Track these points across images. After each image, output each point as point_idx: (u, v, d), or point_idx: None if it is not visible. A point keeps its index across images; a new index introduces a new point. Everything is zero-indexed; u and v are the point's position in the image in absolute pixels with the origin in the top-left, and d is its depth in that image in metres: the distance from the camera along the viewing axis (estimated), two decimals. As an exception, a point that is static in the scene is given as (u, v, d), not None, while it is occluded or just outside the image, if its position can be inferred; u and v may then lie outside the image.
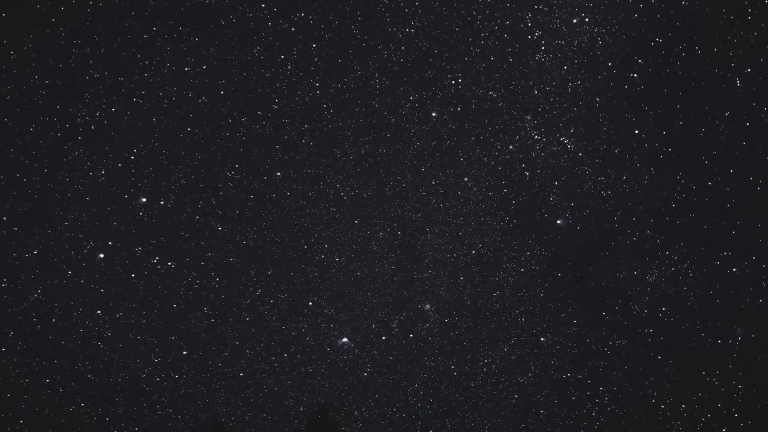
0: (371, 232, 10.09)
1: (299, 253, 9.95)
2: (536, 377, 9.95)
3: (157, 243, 9.38)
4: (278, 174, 9.75)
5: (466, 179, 10.00)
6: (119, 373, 9.25)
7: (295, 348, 9.94)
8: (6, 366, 8.73)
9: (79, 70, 8.74)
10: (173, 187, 9.38)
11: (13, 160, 8.65)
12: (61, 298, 9.01)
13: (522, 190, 9.96)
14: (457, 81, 9.64)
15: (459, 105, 9.75)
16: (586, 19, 9.29)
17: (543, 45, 9.41)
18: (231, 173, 9.60)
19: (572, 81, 9.51)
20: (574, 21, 9.30)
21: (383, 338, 10.10)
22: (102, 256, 9.15)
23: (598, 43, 9.33)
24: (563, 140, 9.73)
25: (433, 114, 9.80)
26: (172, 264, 9.46)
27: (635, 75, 9.30)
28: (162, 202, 9.34)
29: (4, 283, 8.76)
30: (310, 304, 10.01)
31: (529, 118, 9.74)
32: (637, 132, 9.43)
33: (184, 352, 9.50)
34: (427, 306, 10.20)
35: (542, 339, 9.98)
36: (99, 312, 9.17)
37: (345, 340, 10.08)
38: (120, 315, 9.25)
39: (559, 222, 9.91)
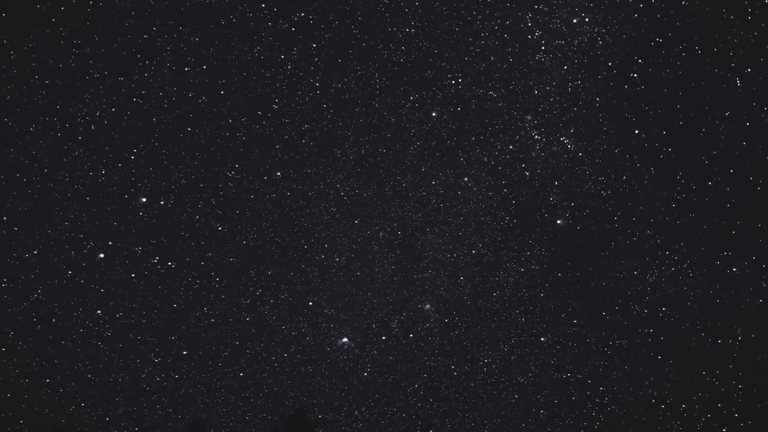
0: (371, 232, 10.10)
1: (299, 253, 9.96)
2: (536, 377, 9.95)
3: (157, 243, 9.38)
4: (278, 174, 9.75)
5: (466, 179, 10.01)
6: (119, 373, 9.25)
7: (295, 348, 9.95)
8: (6, 366, 8.73)
9: (79, 70, 8.74)
10: (173, 187, 9.38)
11: (13, 160, 8.65)
12: (61, 298, 9.01)
13: (522, 190, 9.97)
14: (457, 81, 9.64)
15: (459, 105, 9.76)
16: (586, 19, 9.29)
17: (543, 45, 9.41)
18: (231, 173, 9.60)
19: (572, 81, 9.51)
20: (574, 21, 9.30)
21: (383, 338, 10.11)
22: (102, 256, 9.15)
23: (598, 43, 9.33)
24: (563, 140, 9.74)
25: (433, 114, 9.81)
26: (172, 264, 9.46)
27: (635, 75, 9.30)
28: (162, 202, 9.34)
29: (4, 283, 8.76)
30: (310, 304, 10.02)
31: (529, 118, 9.74)
32: (637, 132, 9.43)
33: (184, 352, 9.51)
34: (427, 306, 10.20)
35: (542, 339, 9.98)
36: (99, 312, 9.17)
37: (345, 340, 10.08)
38: (120, 315, 9.25)
39: (559, 222, 9.91)
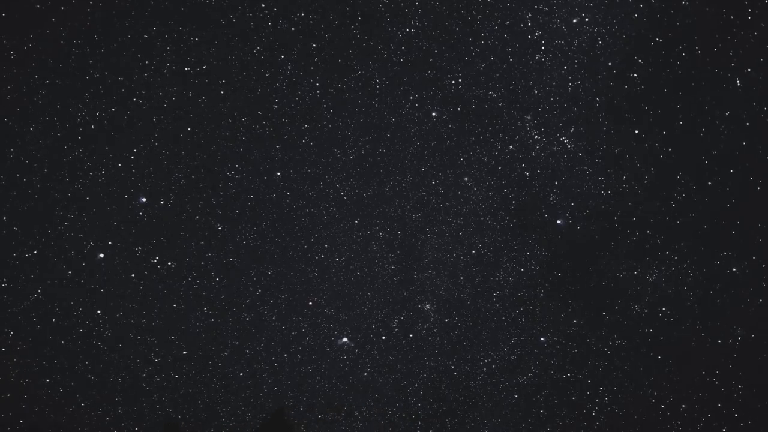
0: (371, 232, 10.09)
1: (299, 253, 9.96)
2: (536, 377, 9.95)
3: (157, 243, 9.38)
4: (278, 174, 9.75)
5: (466, 179, 10.01)
6: (119, 373, 9.25)
7: (295, 348, 9.95)
8: (6, 366, 8.73)
9: (79, 70, 8.74)
10: (173, 187, 9.38)
11: (13, 160, 8.65)
12: (61, 298, 9.01)
13: (522, 190, 9.97)
14: (457, 81, 9.64)
15: (459, 105, 9.76)
16: (586, 19, 9.29)
17: (543, 45, 9.41)
18: (231, 173, 9.60)
19: (572, 81, 9.51)
20: (574, 21, 9.30)
21: (383, 338, 10.11)
22: (102, 256, 9.15)
23: (598, 43, 9.33)
24: (563, 140, 9.74)
25: (433, 114, 9.81)
26: (172, 264, 9.46)
27: (635, 75, 9.30)
28: (162, 202, 9.35)
29: (4, 283, 8.76)
30: (310, 304, 10.02)
31: (529, 118, 9.74)
32: (637, 132, 9.43)
33: (184, 352, 9.51)
34: (427, 306, 10.20)
35: (542, 339, 9.98)
36: (99, 312, 9.17)
37: (345, 340, 10.08)
38: (120, 315, 9.26)
39: (559, 222, 9.91)
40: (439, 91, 9.70)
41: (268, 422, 9.28)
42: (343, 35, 9.37)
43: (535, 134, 9.78)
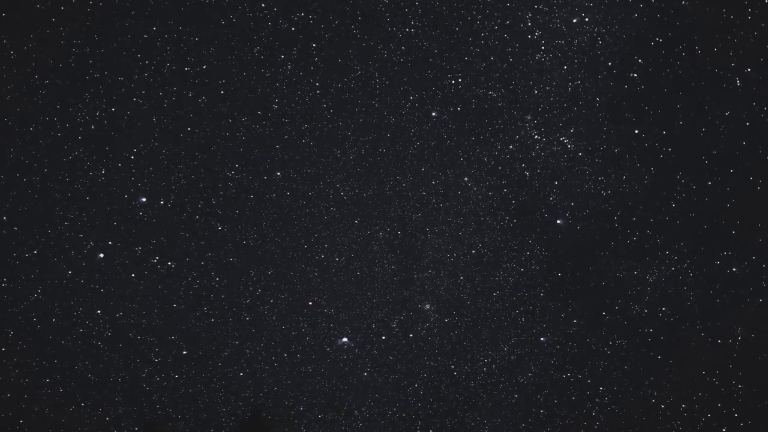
0: (371, 232, 10.10)
1: (299, 253, 9.96)
2: (536, 377, 9.95)
3: (157, 243, 9.38)
4: (278, 174, 9.75)
5: (466, 179, 10.01)
6: (119, 373, 9.25)
7: (295, 348, 9.95)
8: (6, 366, 8.73)
9: (79, 70, 8.74)
10: (173, 187, 9.38)
11: (13, 160, 8.65)
12: (61, 298, 9.02)
13: (522, 190, 9.97)
14: (457, 81, 9.64)
15: (459, 105, 9.76)
16: (586, 19, 9.29)
17: (543, 45, 9.41)
18: (231, 173, 9.60)
19: (572, 81, 9.51)
20: (574, 21, 9.30)
21: (383, 338, 10.11)
22: (102, 256, 9.15)
23: (598, 43, 9.33)
24: (563, 140, 9.74)
25: (433, 114, 9.81)
26: (172, 264, 9.46)
27: (635, 75, 9.30)
28: (162, 202, 9.35)
29: (4, 283, 8.76)
30: (310, 304, 10.02)
31: (529, 117, 9.74)
32: (637, 132, 9.43)
33: (184, 352, 9.51)
34: (427, 306, 10.20)
35: (542, 339, 9.98)
36: (99, 312, 9.17)
37: (345, 339, 10.08)
38: (120, 315, 9.25)
39: (559, 222, 9.91)
40: (439, 91, 9.71)
41: (245, 423, 9.28)
42: (343, 35, 9.38)
43: (535, 134, 9.79)
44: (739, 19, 8.82)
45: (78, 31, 8.63)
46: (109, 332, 9.21)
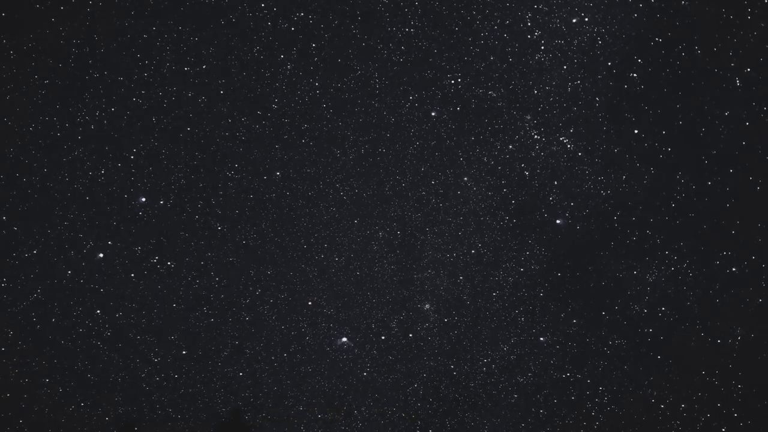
0: (371, 232, 10.10)
1: (299, 253, 9.96)
2: (536, 377, 9.95)
3: (157, 243, 9.39)
4: (278, 174, 9.75)
5: (466, 179, 10.01)
6: (119, 373, 9.26)
7: (295, 348, 9.95)
8: (6, 366, 8.74)
9: (79, 70, 8.74)
10: (173, 187, 9.39)
11: (13, 160, 8.66)
12: (61, 298, 9.02)
13: (522, 190, 9.97)
14: (457, 81, 9.64)
15: (459, 105, 9.75)
16: (586, 19, 9.29)
17: (543, 45, 9.41)
18: (231, 173, 9.60)
19: (572, 81, 9.51)
20: (574, 21, 9.30)
21: (383, 338, 10.11)
22: (102, 256, 9.16)
23: (598, 43, 9.33)
24: (563, 140, 9.74)
25: (433, 114, 9.81)
26: (172, 264, 9.47)
27: (635, 75, 9.30)
28: (162, 202, 9.35)
29: (4, 283, 8.76)
30: (310, 304, 10.02)
31: (529, 118, 9.74)
32: (637, 132, 9.43)
33: (184, 352, 9.51)
34: (427, 306, 10.20)
35: (542, 339, 9.98)
36: (99, 312, 9.17)
37: (345, 339, 10.09)
38: (120, 315, 9.26)
39: (559, 222, 9.91)
40: (439, 90, 9.70)
41: (224, 424, 9.28)
42: (343, 35, 9.38)
43: (534, 134, 9.79)
44: (739, 19, 8.82)
45: (78, 31, 8.64)
46: (108, 332, 9.22)
